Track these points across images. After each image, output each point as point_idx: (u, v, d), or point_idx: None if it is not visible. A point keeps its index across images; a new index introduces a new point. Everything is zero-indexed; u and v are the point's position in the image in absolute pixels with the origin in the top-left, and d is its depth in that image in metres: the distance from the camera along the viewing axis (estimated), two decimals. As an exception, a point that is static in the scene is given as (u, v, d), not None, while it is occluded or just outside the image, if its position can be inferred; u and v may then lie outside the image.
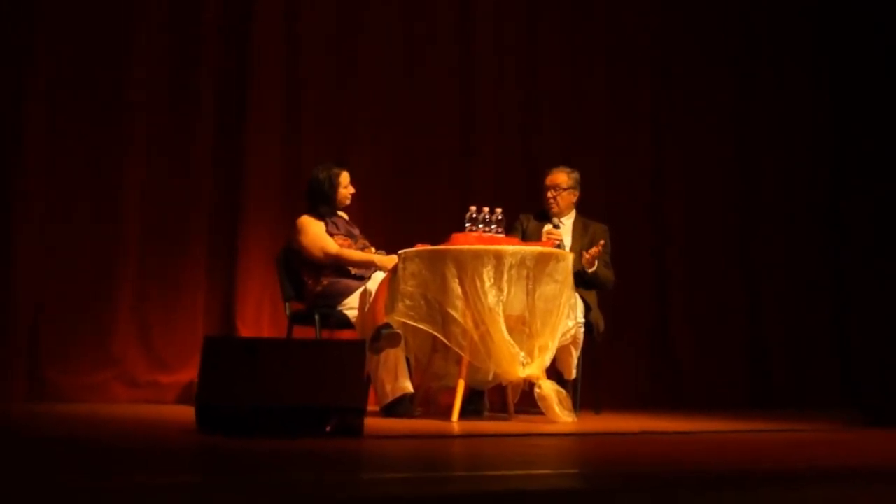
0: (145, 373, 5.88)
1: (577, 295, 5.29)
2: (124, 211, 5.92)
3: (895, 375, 6.89)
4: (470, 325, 4.84)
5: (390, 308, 4.95)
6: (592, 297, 5.73)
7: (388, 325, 4.92)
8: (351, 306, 5.26)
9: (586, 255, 5.57)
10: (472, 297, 4.82)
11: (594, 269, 5.62)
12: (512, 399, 5.24)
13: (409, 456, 3.61)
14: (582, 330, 5.50)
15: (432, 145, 6.69)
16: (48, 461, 3.12)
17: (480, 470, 3.25)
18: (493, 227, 5.07)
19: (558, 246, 5.44)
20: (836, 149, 7.71)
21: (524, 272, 4.91)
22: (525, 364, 4.87)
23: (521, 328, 4.94)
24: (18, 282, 5.67)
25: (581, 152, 6.75)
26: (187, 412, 4.12)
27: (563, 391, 5.01)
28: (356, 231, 5.56)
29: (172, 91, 6.10)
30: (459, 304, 4.84)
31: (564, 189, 5.79)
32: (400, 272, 4.97)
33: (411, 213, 6.51)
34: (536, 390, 4.91)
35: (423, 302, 4.91)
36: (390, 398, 5.05)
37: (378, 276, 5.21)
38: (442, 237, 5.12)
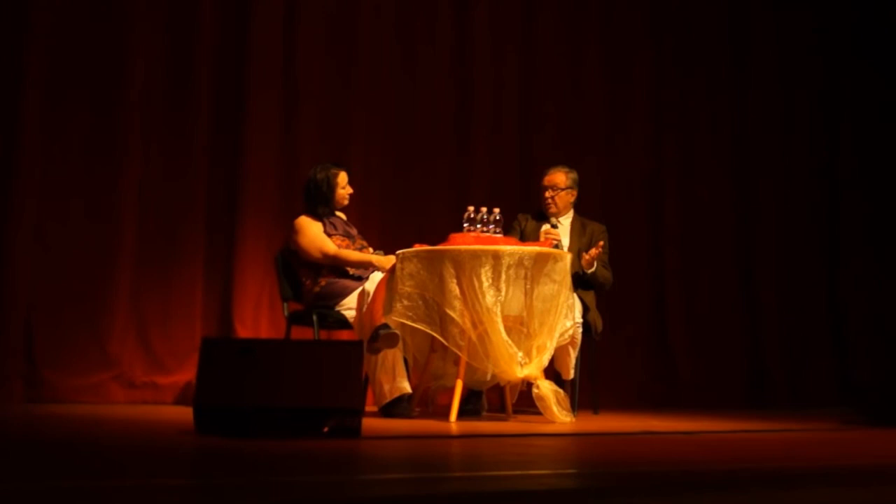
0: (143, 374, 5.86)
1: (575, 295, 5.29)
2: (121, 211, 5.90)
3: (893, 375, 6.91)
4: (468, 325, 4.84)
5: (388, 308, 4.95)
6: (590, 297, 5.73)
7: (386, 326, 4.93)
8: (349, 307, 5.25)
9: (586, 257, 5.58)
10: (470, 298, 4.82)
11: (593, 269, 5.63)
12: (510, 399, 5.25)
13: (408, 456, 3.60)
14: (580, 330, 5.50)
15: (430, 145, 6.69)
16: (46, 463, 3.11)
17: (478, 470, 3.25)
18: (490, 227, 5.07)
19: (556, 246, 5.44)
20: (835, 149, 7.71)
21: (522, 272, 4.91)
22: (523, 364, 4.87)
23: (519, 328, 4.94)
24: (14, 282, 5.64)
25: (579, 152, 6.75)
26: (185, 413, 4.12)
27: (561, 391, 5.02)
28: (354, 231, 5.55)
29: (169, 90, 6.08)
30: (457, 304, 4.84)
31: (562, 189, 5.79)
32: (398, 272, 4.97)
33: (409, 213, 6.52)
34: (534, 390, 4.91)
35: (421, 302, 4.91)
36: (388, 398, 5.05)
37: (376, 277, 5.20)
38: (440, 237, 5.12)
